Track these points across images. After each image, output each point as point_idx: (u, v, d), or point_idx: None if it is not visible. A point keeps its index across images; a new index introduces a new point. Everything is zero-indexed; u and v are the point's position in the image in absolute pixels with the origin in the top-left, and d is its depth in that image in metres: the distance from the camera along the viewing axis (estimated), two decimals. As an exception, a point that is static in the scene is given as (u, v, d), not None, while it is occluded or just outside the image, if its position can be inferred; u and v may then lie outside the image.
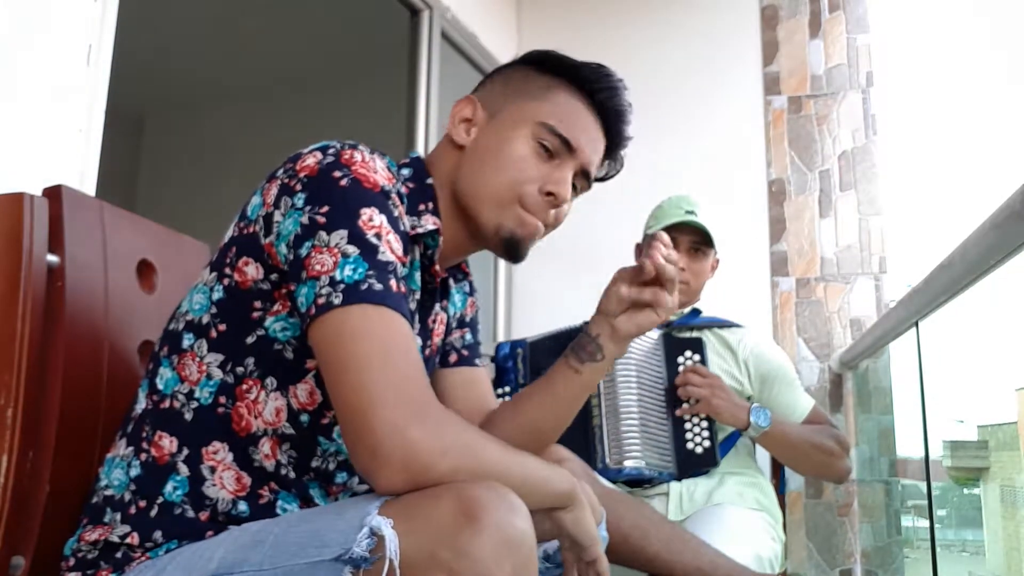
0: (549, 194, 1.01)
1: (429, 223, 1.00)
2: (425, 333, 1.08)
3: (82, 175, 1.66)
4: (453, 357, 1.18)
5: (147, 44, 3.77)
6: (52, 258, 1.00)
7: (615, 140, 1.08)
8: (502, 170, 1.00)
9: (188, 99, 4.77)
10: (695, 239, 1.92)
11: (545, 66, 1.05)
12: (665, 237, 1.04)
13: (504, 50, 3.40)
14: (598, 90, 1.04)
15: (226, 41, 4.20)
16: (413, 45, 2.94)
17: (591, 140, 1.04)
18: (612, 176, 1.14)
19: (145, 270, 1.16)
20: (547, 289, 3.21)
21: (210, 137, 4.78)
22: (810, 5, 3.23)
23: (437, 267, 1.04)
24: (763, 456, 1.99)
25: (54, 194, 1.03)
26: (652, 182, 3.10)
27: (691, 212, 1.92)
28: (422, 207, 1.01)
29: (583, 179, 1.06)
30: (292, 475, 0.94)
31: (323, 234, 0.85)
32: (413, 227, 0.99)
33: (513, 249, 1.03)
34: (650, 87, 3.36)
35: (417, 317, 1.05)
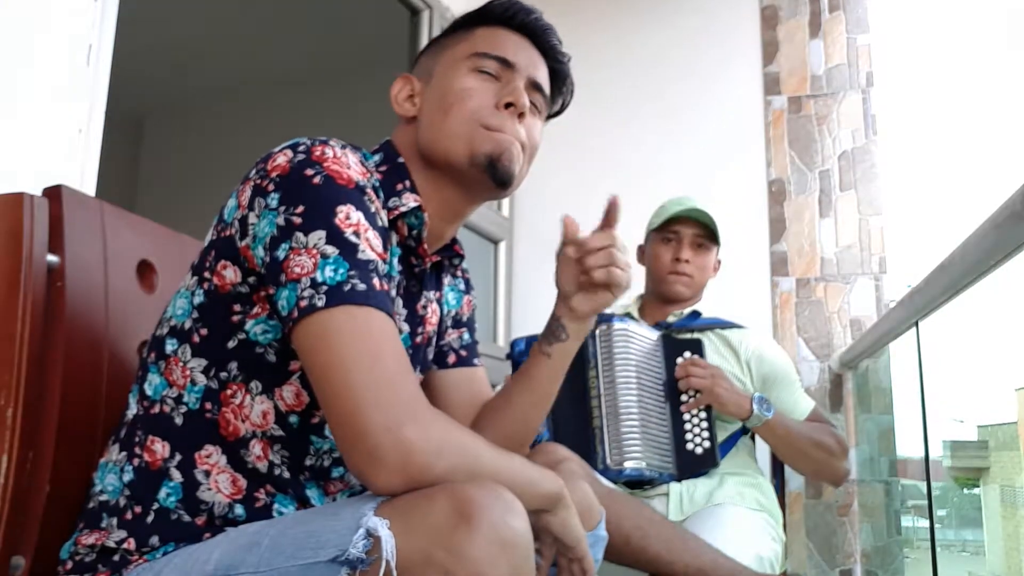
0: (508, 105, 1.00)
1: (410, 201, 0.98)
2: (414, 320, 1.06)
3: (82, 175, 1.66)
4: (452, 358, 1.17)
5: (147, 44, 3.76)
6: (52, 258, 1.00)
7: (551, 55, 1.08)
8: (453, 107, 0.99)
9: (188, 99, 4.77)
10: (699, 233, 1.93)
11: (457, 26, 1.07)
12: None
13: (504, 50, 3.39)
14: (511, 15, 1.05)
15: (226, 41, 4.21)
16: (413, 45, 2.94)
17: (527, 56, 1.04)
18: (568, 102, 1.13)
19: (145, 270, 1.16)
20: (547, 289, 3.19)
21: (210, 137, 4.78)
22: (810, 5, 3.22)
23: (425, 247, 1.02)
24: (763, 456, 1.99)
25: (54, 194, 1.03)
26: (651, 182, 3.11)
27: (694, 206, 1.93)
28: (400, 187, 0.99)
29: (538, 94, 1.05)
30: (287, 475, 0.93)
31: (300, 235, 0.83)
32: (394, 208, 0.97)
33: (496, 169, 0.99)
34: (650, 87, 3.36)
35: (401, 303, 1.03)
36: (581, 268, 1.04)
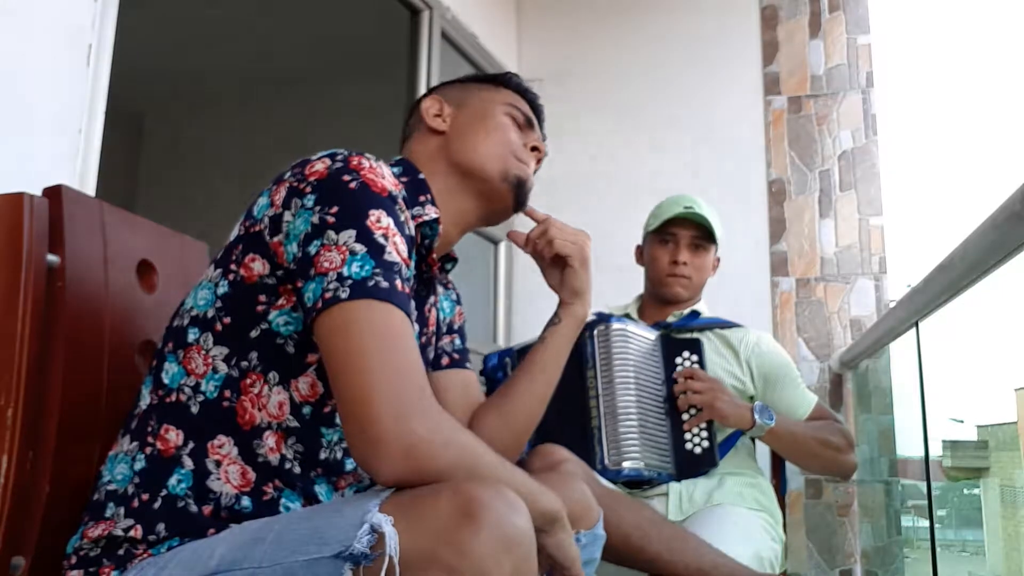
0: (534, 149, 1.17)
1: (431, 212, 1.07)
2: (421, 320, 1.13)
3: (82, 175, 1.66)
4: (445, 360, 1.22)
5: (147, 44, 3.76)
6: (52, 258, 1.00)
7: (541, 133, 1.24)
8: (492, 133, 1.14)
9: (188, 99, 4.77)
10: (696, 234, 1.93)
11: (479, 79, 1.23)
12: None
13: (504, 50, 3.40)
14: (524, 91, 1.22)
15: (226, 41, 4.20)
16: (413, 45, 2.94)
17: (539, 125, 1.22)
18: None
19: (145, 270, 1.16)
20: (547, 289, 3.20)
21: (210, 137, 4.78)
22: (810, 5, 3.23)
23: (434, 255, 1.10)
24: (763, 456, 1.99)
25: (54, 194, 1.03)
26: (652, 182, 3.11)
27: (690, 207, 1.92)
28: (422, 198, 1.07)
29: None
30: (298, 470, 0.94)
31: (332, 233, 0.87)
32: (417, 216, 1.04)
33: (521, 191, 1.14)
34: (650, 87, 3.36)
35: (414, 305, 1.09)
36: (538, 257, 1.21)
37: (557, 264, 1.20)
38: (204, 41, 4.18)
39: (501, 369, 1.80)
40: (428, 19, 2.95)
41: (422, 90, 2.88)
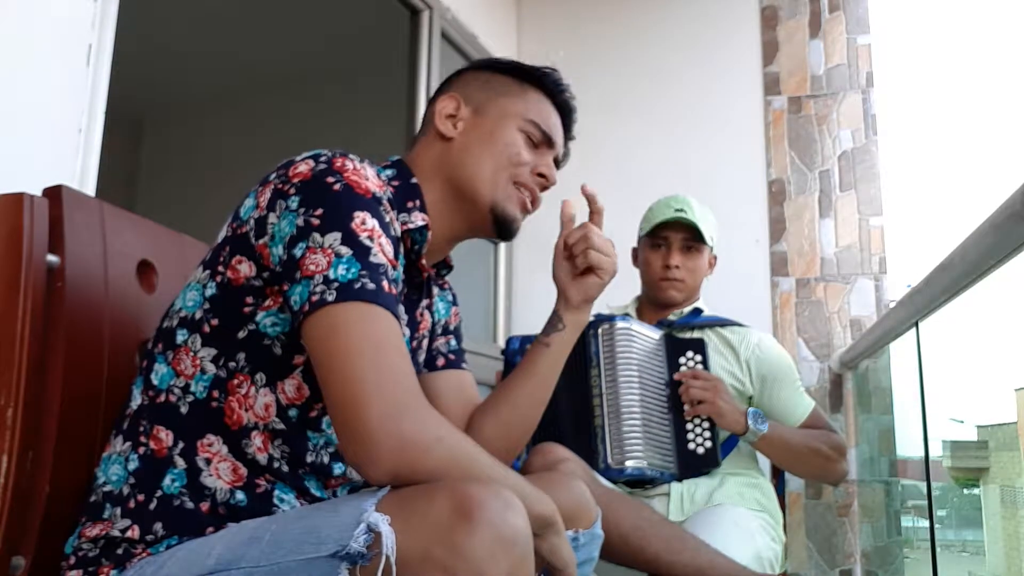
0: (540, 175, 1.13)
1: (418, 220, 1.06)
2: (413, 325, 1.13)
3: (82, 175, 1.66)
4: (440, 361, 1.21)
5: (147, 44, 3.76)
6: (52, 258, 1.00)
7: (568, 135, 1.21)
8: (499, 153, 1.10)
9: (188, 99, 4.77)
10: (686, 236, 1.93)
11: (512, 71, 1.17)
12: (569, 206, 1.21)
13: (504, 50, 3.40)
14: (559, 92, 1.17)
15: (226, 41, 4.20)
16: (413, 45, 2.94)
17: (559, 134, 1.17)
18: (561, 167, 1.24)
19: (145, 270, 1.16)
20: (547, 289, 3.19)
21: (210, 138, 4.77)
22: (810, 5, 3.23)
23: (424, 262, 1.09)
24: (763, 457, 1.99)
25: (54, 194, 1.03)
26: (651, 182, 3.10)
27: (680, 210, 1.92)
28: (410, 204, 1.06)
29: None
30: (286, 469, 0.95)
31: (317, 235, 0.87)
32: (403, 223, 1.04)
33: (504, 227, 1.11)
34: (650, 87, 3.36)
35: (403, 309, 1.09)
36: (567, 257, 1.18)
37: (585, 271, 1.17)
38: (204, 41, 4.18)
39: (521, 353, 1.80)
40: (428, 19, 2.95)
41: (422, 90, 2.88)
